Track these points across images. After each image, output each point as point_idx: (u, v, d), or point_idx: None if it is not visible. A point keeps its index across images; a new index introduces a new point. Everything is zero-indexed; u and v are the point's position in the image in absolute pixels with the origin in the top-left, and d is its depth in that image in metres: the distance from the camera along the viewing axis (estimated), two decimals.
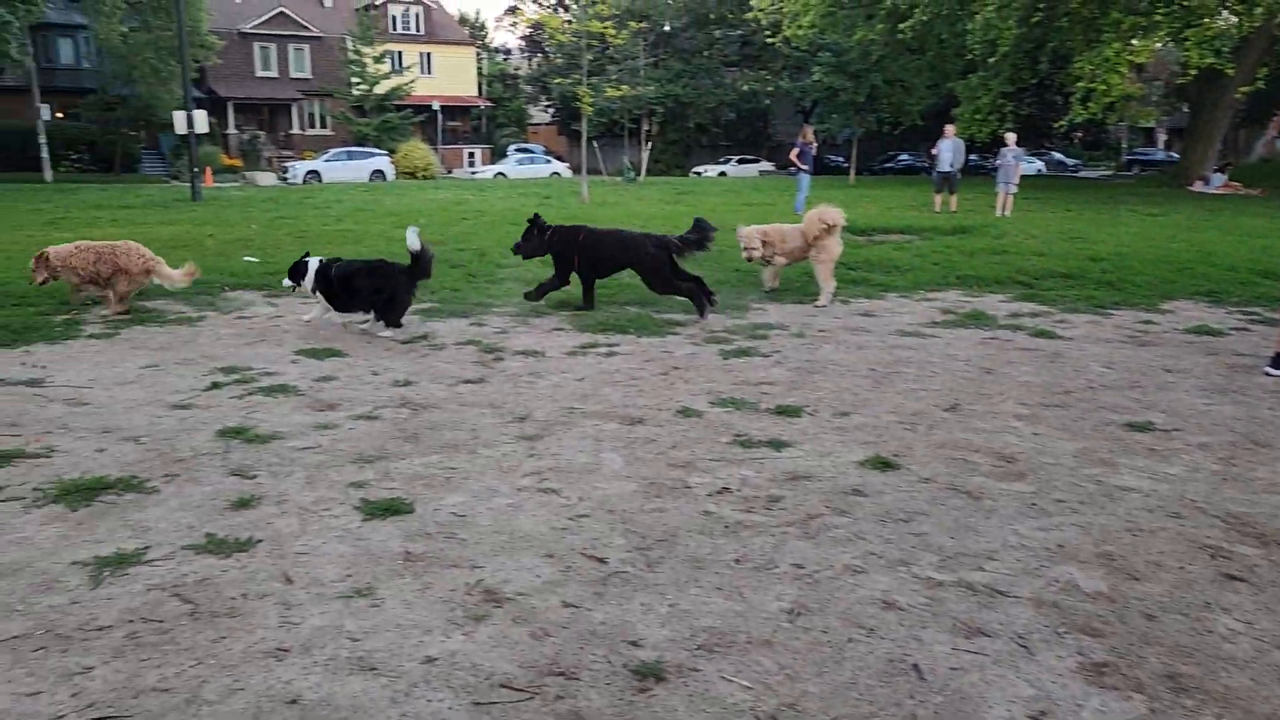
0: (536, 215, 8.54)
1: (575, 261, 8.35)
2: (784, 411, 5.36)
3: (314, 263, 7.54)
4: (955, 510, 3.99)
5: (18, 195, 25.63)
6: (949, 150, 20.90)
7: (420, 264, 7.40)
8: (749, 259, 9.35)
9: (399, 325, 7.42)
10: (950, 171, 20.93)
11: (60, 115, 43.55)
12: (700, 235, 8.18)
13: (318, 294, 7.55)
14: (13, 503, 3.98)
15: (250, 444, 4.75)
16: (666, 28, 56.58)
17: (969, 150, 25.28)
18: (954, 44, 31.54)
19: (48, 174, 36.77)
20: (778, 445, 4.78)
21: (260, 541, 3.63)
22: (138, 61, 39.29)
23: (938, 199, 20.94)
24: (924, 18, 29.31)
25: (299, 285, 7.61)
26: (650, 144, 47.83)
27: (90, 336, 7.30)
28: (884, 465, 4.51)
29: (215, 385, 5.87)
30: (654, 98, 52.54)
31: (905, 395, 5.79)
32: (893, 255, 12.24)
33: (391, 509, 3.92)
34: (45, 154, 37.11)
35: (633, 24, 33.01)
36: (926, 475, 4.40)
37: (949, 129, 21.94)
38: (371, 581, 3.32)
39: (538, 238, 8.39)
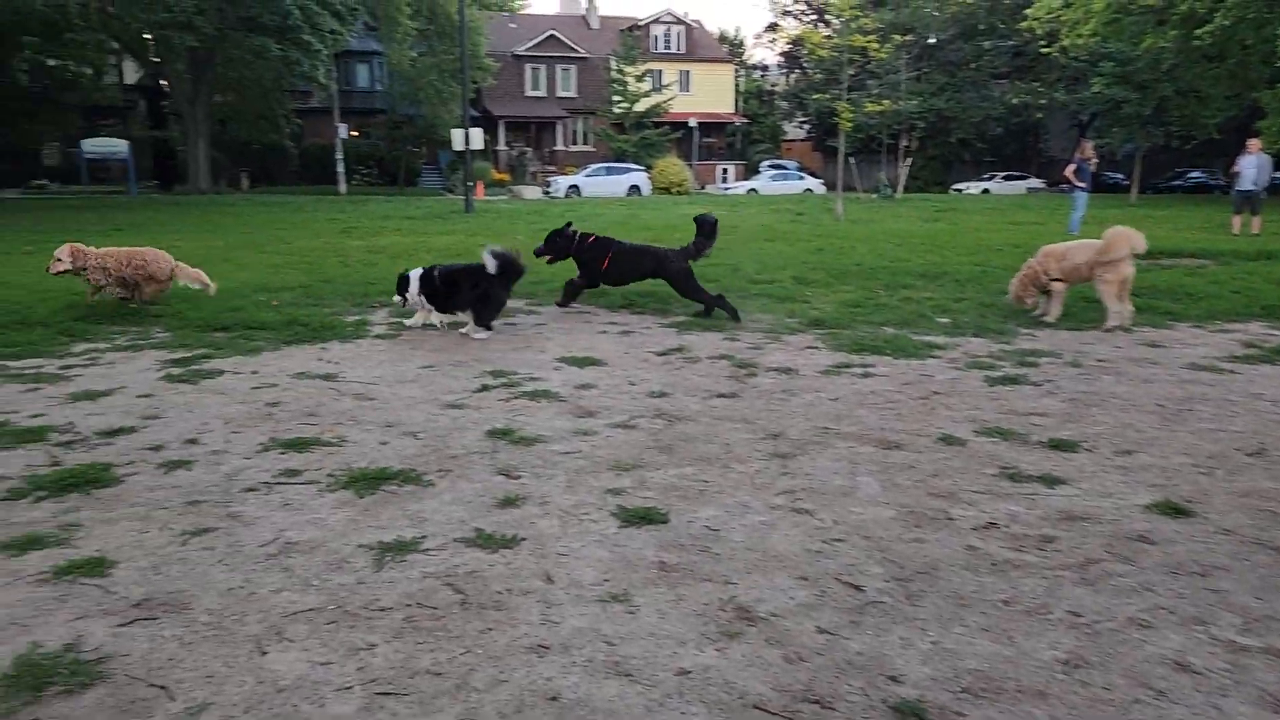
0: (570, 223, 9.25)
1: (603, 268, 9.03)
2: (1058, 445, 4.99)
3: (415, 272, 8.11)
4: (1262, 568, 3.55)
5: (317, 206, 28.49)
6: (1253, 167, 18.92)
7: (510, 270, 8.01)
8: None
9: (489, 326, 8.02)
10: (1254, 190, 18.95)
11: (355, 134, 48.10)
12: (706, 231, 8.92)
13: (423, 298, 8.09)
14: (310, 485, 4.38)
15: (515, 445, 4.98)
16: (932, 40, 54.80)
17: (1276, 167, 22.76)
18: (1260, 50, 28.53)
19: (342, 186, 40.67)
20: (1051, 481, 4.45)
21: (524, 540, 3.78)
22: (423, 84, 42.83)
23: (1237, 220, 18.98)
24: (1225, 22, 26.74)
25: (407, 297, 8.12)
26: (909, 160, 46.45)
27: (376, 337, 7.95)
28: (1175, 511, 4.09)
29: (484, 388, 6.22)
30: (915, 112, 51.04)
31: (1200, 436, 5.24)
32: (1184, 281, 11.19)
33: (647, 518, 3.98)
34: (341, 169, 41.11)
35: (897, 37, 32.23)
36: (1227, 526, 3.94)
37: (1253, 143, 19.85)
38: (627, 588, 3.37)
39: (563, 241, 9.09)
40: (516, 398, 5.94)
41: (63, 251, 8.52)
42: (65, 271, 8.57)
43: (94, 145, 39.92)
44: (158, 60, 39.06)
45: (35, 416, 5.44)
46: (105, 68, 39.96)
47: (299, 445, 4.92)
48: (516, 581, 3.43)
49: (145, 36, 36.28)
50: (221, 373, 6.58)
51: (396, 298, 8.24)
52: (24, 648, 2.91)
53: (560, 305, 9.31)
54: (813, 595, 3.33)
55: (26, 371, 6.56)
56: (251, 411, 5.61)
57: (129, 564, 3.53)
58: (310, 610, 3.19)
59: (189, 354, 7.11)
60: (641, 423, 5.39)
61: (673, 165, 46.89)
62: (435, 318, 8.26)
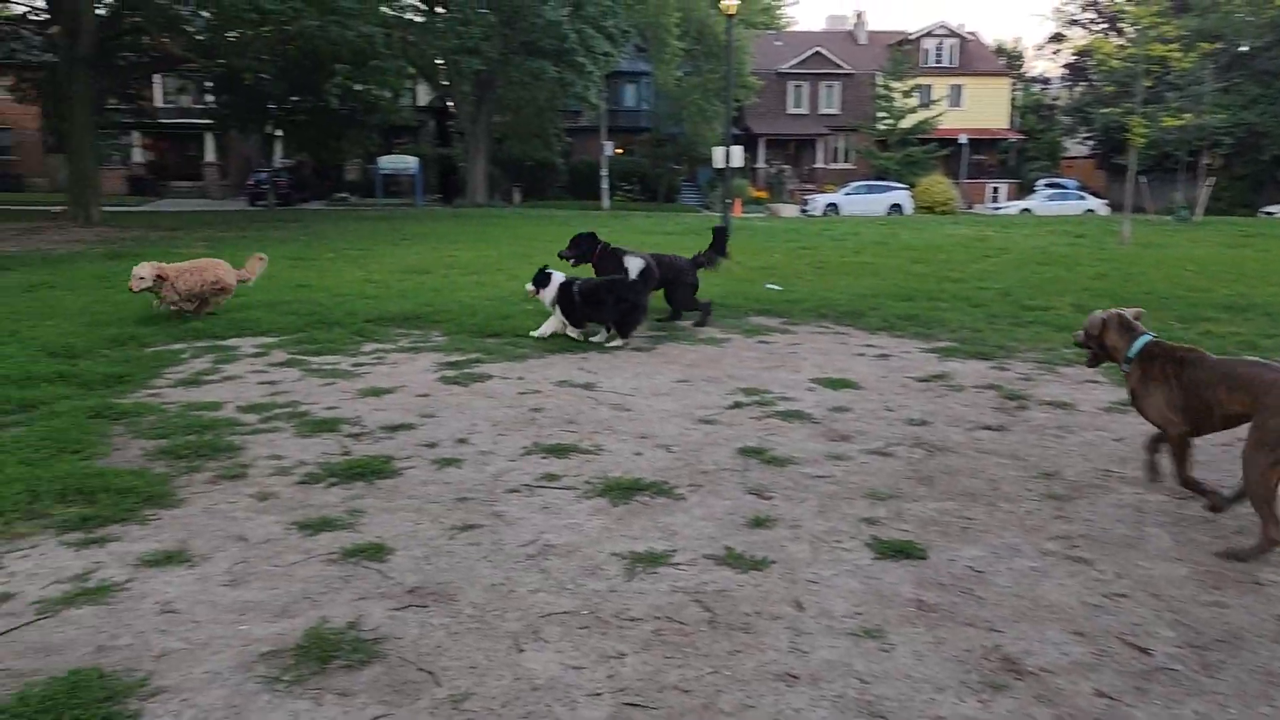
0: (594, 233, 9.38)
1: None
2: None
3: (558, 277, 8.11)
4: None
5: (582, 220, 29.72)
6: None
7: (650, 280, 8.31)
8: None
9: (629, 336, 8.14)
10: None
11: (619, 151, 49.85)
12: (718, 242, 9.52)
13: (556, 307, 8.09)
14: (568, 491, 4.52)
15: (767, 465, 4.92)
16: (1244, 48, 49.61)
17: None
18: None
19: (605, 202, 42.31)
20: None
21: (774, 563, 3.71)
22: (687, 103, 43.87)
23: None
24: None
25: (539, 293, 8.14)
26: (1211, 179, 42.24)
27: (633, 349, 8.14)
28: None
29: (737, 404, 6.20)
30: (1221, 127, 46.30)
31: None
32: None
33: (904, 551, 3.80)
34: (605, 185, 42.78)
35: (1203, 45, 29.40)
36: None
37: None
38: (881, 624, 3.23)
39: (587, 246, 9.19)
40: (769, 417, 5.88)
41: (145, 270, 8.66)
42: (147, 289, 8.74)
43: (389, 162, 43.93)
44: (447, 83, 42.32)
45: (330, 409, 5.98)
46: (402, 91, 43.77)
47: (559, 451, 5.11)
48: (765, 605, 3.37)
49: (438, 62, 39.44)
50: (490, 377, 6.97)
51: (530, 287, 8.29)
52: (314, 622, 3.17)
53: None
54: (1090, 653, 3.04)
55: (325, 367, 7.23)
56: (517, 415, 5.89)
57: (404, 552, 3.77)
58: (565, 613, 3.28)
59: (462, 357, 7.58)
60: (899, 451, 5.18)
61: (937, 183, 45.20)
62: (570, 330, 8.27)
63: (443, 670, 2.91)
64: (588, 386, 6.69)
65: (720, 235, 9.74)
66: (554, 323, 8.26)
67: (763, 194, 47.44)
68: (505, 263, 15.31)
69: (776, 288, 11.98)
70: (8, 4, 35.84)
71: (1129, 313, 4.55)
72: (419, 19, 36.64)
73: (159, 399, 6.15)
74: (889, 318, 9.49)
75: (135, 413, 5.70)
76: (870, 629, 3.19)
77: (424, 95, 51.10)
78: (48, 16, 32.31)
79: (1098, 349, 4.60)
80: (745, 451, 5.13)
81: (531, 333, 8.33)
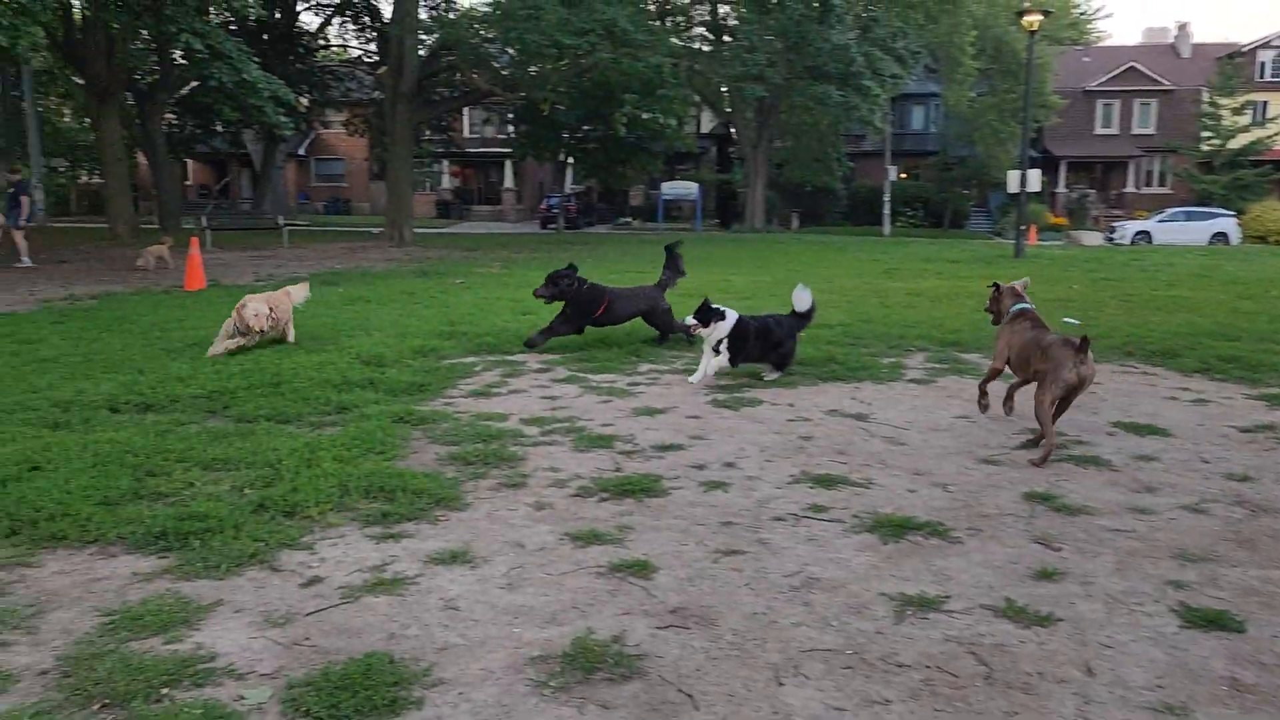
0: (572, 266, 8.94)
1: (599, 313, 8.92)
2: None
3: (733, 315, 7.36)
4: None
5: (861, 247, 29.18)
6: None
7: (807, 316, 7.82)
8: None
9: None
10: None
11: (903, 176, 48.51)
12: (672, 261, 9.49)
13: (723, 344, 7.32)
14: (835, 523, 4.39)
15: (1057, 512, 4.54)
16: None
17: None
18: None
19: (886, 228, 41.24)
20: None
21: (1061, 620, 3.40)
22: (980, 124, 41.95)
23: None
24: None
25: (706, 329, 7.31)
26: None
27: (910, 381, 7.81)
28: None
29: (1024, 445, 5.79)
30: None
31: None
32: None
33: (1217, 622, 3.37)
34: (886, 210, 41.71)
35: None
36: None
37: None
38: (1186, 701, 2.87)
39: (567, 283, 8.72)
40: (1060, 460, 5.43)
41: (263, 308, 8.45)
42: (264, 330, 8.51)
43: (671, 188, 45.34)
44: (729, 110, 43.08)
45: (605, 425, 6.18)
46: (686, 118, 45.04)
47: (827, 481, 4.98)
48: (1050, 666, 3.09)
49: (722, 89, 40.22)
50: (761, 402, 6.93)
51: (692, 320, 7.36)
52: (581, 631, 3.26)
53: (532, 346, 8.86)
54: None
55: (603, 385, 7.50)
56: (785, 443, 5.81)
57: (668, 571, 3.81)
58: (828, 650, 3.17)
59: (732, 381, 7.61)
60: (1215, 509, 4.61)
61: (1272, 210, 40.32)
62: (718, 368, 7.42)
63: (701, 694, 2.89)
64: (860, 417, 6.50)
65: (671, 253, 9.59)
66: (720, 362, 7.35)
67: (1061, 220, 44.47)
68: (779, 289, 15.26)
69: (1074, 322, 11.11)
70: (346, 48, 40.54)
71: (1019, 285, 6.44)
72: (706, 48, 37.56)
73: (452, 408, 6.63)
74: (1208, 359, 8.52)
75: (432, 419, 6.18)
76: (1173, 705, 2.84)
77: (707, 122, 52.32)
78: (377, 59, 36.24)
79: (995, 310, 6.48)
80: (1031, 496, 4.77)
81: (690, 379, 7.47)
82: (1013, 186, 26.81)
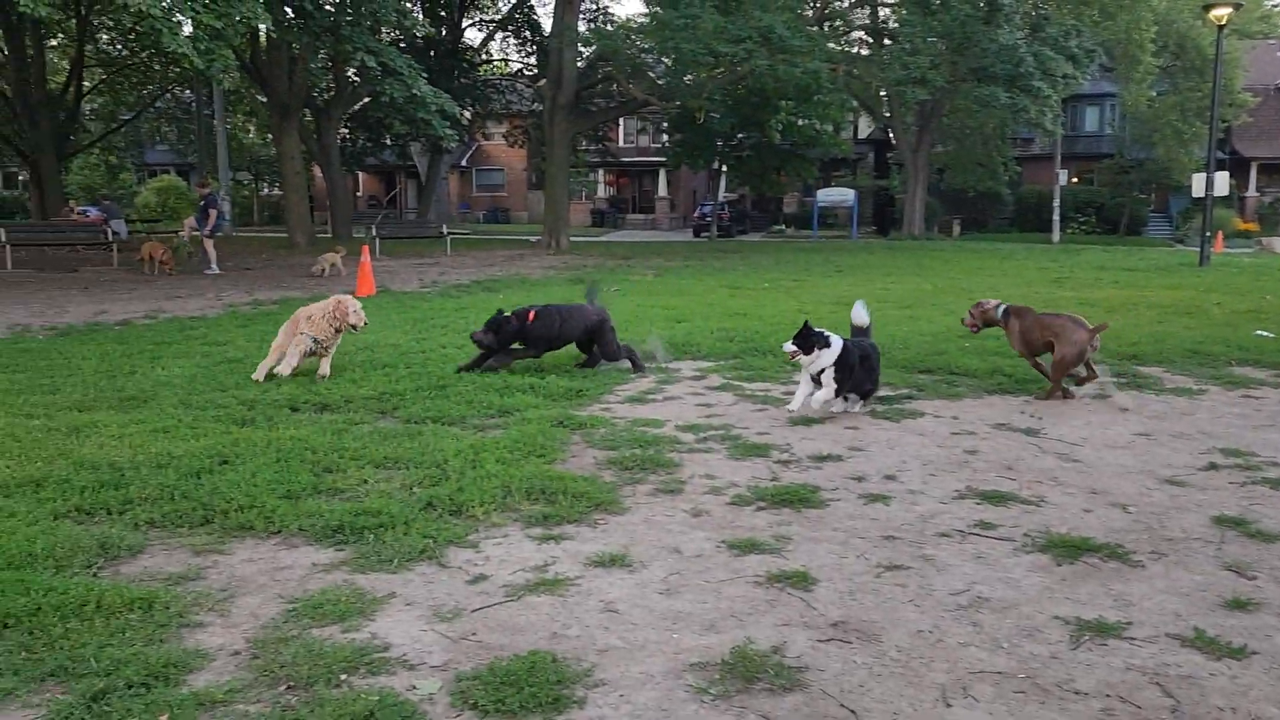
0: (501, 310, 8.33)
1: (554, 341, 8.40)
2: None
3: (838, 341, 6.50)
4: None
5: (1028, 254, 28.00)
6: None
7: (865, 334, 7.11)
8: None
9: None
10: None
11: (1075, 180, 46.19)
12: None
13: (827, 372, 6.47)
14: (1005, 542, 4.21)
15: (1252, 539, 4.22)
16: None
17: None
18: None
19: (1055, 235, 39.33)
20: None
21: (1256, 654, 3.16)
22: (1160, 125, 39.53)
23: None
24: None
25: (809, 355, 6.49)
26: None
27: (1084, 394, 7.43)
28: None
29: (1213, 466, 5.42)
30: None
31: None
32: None
33: None
34: (1056, 216, 39.79)
35: None
36: None
37: None
38: None
39: (511, 326, 8.11)
40: (1255, 483, 5.06)
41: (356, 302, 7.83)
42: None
43: (826, 194, 44.53)
44: (888, 114, 42.05)
45: (761, 434, 6.14)
46: (843, 124, 44.30)
47: (995, 498, 4.79)
48: (1244, 701, 2.87)
49: (881, 94, 39.34)
50: (923, 414, 6.74)
51: (790, 346, 6.58)
52: (740, 640, 3.24)
53: (465, 369, 8.06)
54: None
55: (758, 394, 7.45)
56: (949, 456, 5.63)
57: (828, 584, 3.74)
58: (998, 673, 3.04)
59: (892, 392, 7.42)
60: None
61: None
62: (832, 398, 6.64)
63: (865, 711, 2.82)
64: (1030, 432, 6.23)
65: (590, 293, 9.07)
66: (826, 394, 6.54)
67: (1251, 226, 41.42)
68: (939, 297, 14.83)
69: (1268, 335, 10.35)
70: (507, 62, 41.83)
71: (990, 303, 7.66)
72: (865, 52, 36.84)
73: (610, 413, 6.72)
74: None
75: (590, 424, 6.28)
76: None
77: (864, 127, 51.28)
78: (536, 71, 37.24)
79: (979, 323, 7.70)
80: (1222, 520, 4.46)
81: (788, 408, 6.70)
82: (1198, 191, 25.13)
